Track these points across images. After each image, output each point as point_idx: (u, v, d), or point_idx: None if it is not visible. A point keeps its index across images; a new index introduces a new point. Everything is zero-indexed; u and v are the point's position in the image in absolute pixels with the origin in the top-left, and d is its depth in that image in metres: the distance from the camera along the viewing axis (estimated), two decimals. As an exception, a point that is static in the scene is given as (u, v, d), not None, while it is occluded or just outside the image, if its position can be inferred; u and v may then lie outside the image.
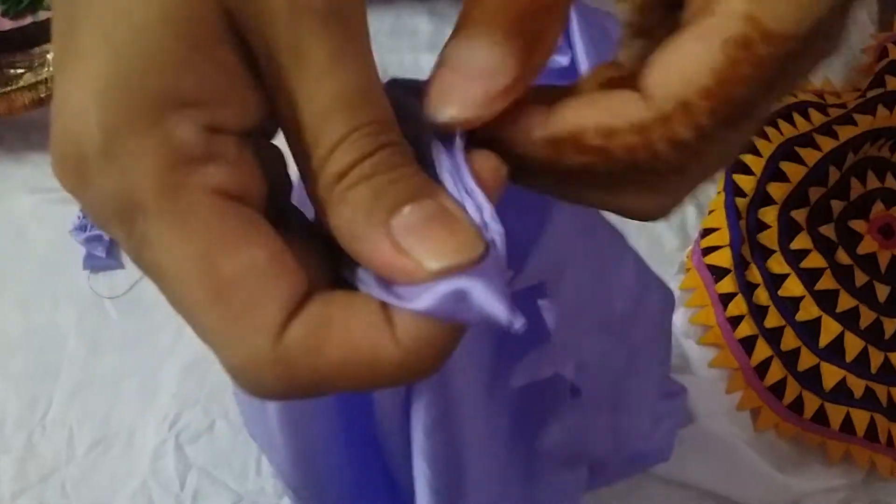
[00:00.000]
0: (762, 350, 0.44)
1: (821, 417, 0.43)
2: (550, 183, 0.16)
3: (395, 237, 0.14)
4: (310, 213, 0.16)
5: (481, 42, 0.14)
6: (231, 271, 0.13)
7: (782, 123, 0.49)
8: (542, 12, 0.14)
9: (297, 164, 0.15)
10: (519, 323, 0.14)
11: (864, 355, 0.44)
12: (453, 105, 0.14)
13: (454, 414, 0.22)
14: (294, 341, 0.14)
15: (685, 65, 0.14)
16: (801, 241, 0.46)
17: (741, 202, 0.46)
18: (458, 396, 0.22)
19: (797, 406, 0.43)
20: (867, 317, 0.45)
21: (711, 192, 0.48)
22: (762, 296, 0.45)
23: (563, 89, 0.16)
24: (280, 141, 0.16)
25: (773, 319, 0.44)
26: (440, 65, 0.15)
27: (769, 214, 0.46)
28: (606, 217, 0.27)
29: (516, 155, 0.15)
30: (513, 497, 0.28)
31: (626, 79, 0.15)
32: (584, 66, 0.49)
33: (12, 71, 0.49)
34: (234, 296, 0.13)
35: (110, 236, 0.13)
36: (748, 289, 0.45)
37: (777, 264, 0.45)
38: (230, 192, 0.14)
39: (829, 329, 0.44)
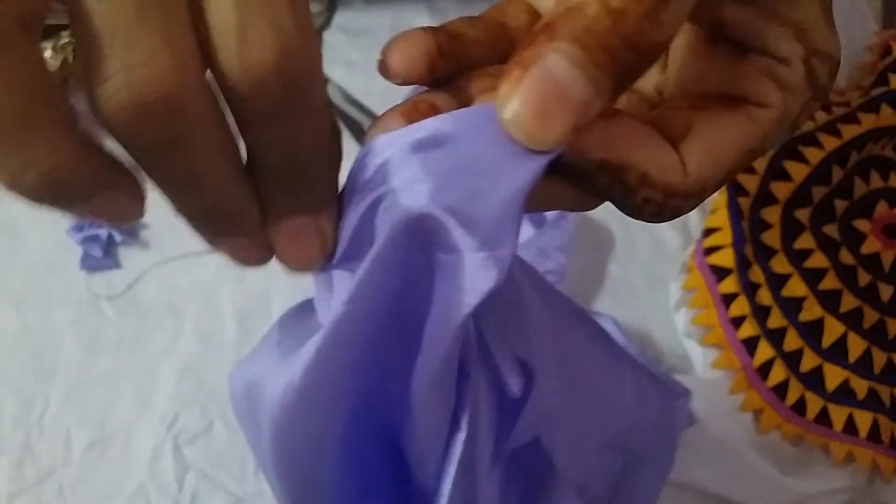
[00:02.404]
0: (765, 351, 0.43)
1: (824, 418, 0.43)
2: (563, 182, 0.18)
3: None
4: None
5: (586, 74, 0.14)
6: None
7: (785, 122, 0.49)
8: (646, 56, 0.15)
9: None
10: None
11: (867, 356, 0.44)
12: (555, 130, 0.15)
13: None
14: None
15: (718, 158, 0.17)
16: (804, 241, 0.46)
17: (744, 201, 0.46)
18: None
19: (800, 407, 0.43)
20: (870, 317, 0.44)
21: (713, 191, 0.47)
22: (765, 296, 0.44)
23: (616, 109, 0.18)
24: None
25: (775, 320, 0.44)
26: (535, 76, 0.14)
27: (772, 214, 0.46)
28: (607, 337, 0.29)
29: (562, 158, 0.16)
30: None
31: (661, 122, 0.17)
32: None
33: (8, 69, 0.48)
34: None
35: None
36: (751, 289, 0.44)
37: (780, 264, 0.45)
38: None
39: (833, 329, 0.44)
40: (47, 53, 0.48)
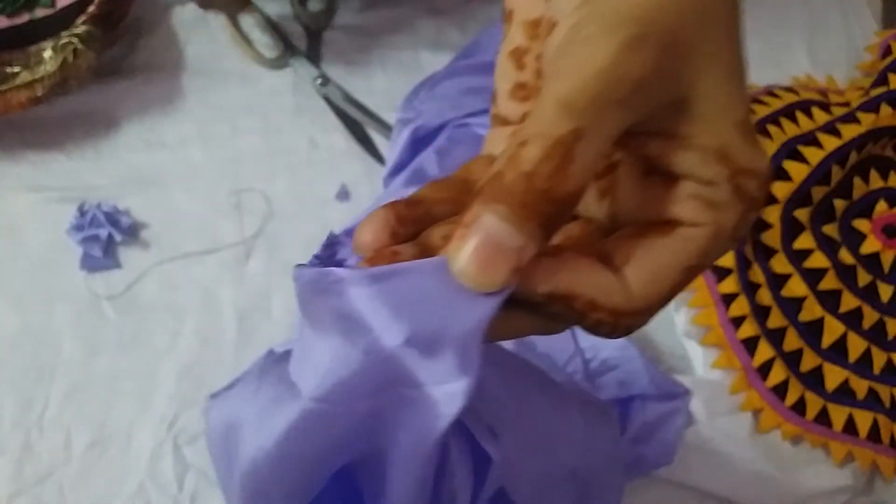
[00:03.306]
0: (764, 351, 0.43)
1: (823, 418, 0.43)
2: (524, 314, 0.20)
3: None
4: None
5: (515, 227, 0.17)
6: None
7: (785, 122, 0.49)
8: (562, 204, 0.17)
9: None
10: None
11: (867, 356, 0.44)
12: (498, 276, 0.17)
13: None
14: None
15: (658, 278, 0.19)
16: (803, 241, 0.46)
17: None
18: None
19: (800, 407, 0.43)
20: (870, 317, 0.44)
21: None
22: (765, 296, 0.44)
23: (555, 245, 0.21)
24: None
25: (775, 320, 0.44)
26: (474, 234, 0.17)
27: (772, 214, 0.46)
28: (555, 386, 0.32)
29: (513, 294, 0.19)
30: None
31: (604, 251, 0.20)
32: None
33: (8, 69, 0.48)
34: None
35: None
36: (750, 289, 0.44)
37: (779, 264, 0.45)
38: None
39: (832, 329, 0.44)
40: (47, 53, 0.48)
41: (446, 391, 0.19)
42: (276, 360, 0.27)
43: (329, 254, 0.26)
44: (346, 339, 0.19)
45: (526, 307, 0.19)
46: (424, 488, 0.22)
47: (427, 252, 0.21)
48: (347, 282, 0.19)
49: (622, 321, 0.19)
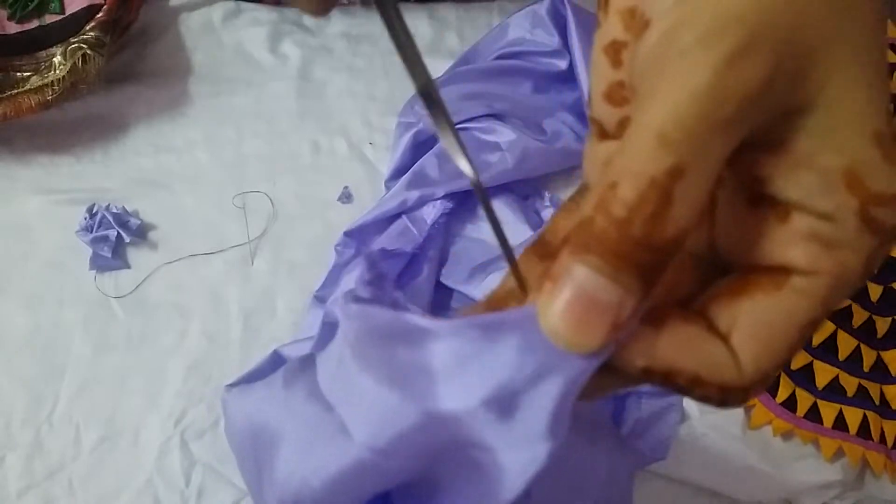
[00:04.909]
0: (757, 349, 0.44)
1: (814, 415, 0.43)
2: (615, 377, 0.17)
3: None
4: None
5: (609, 279, 0.15)
6: None
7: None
8: (663, 253, 0.15)
9: None
10: None
11: (856, 354, 0.44)
12: (595, 337, 0.15)
13: None
14: None
15: (772, 345, 0.16)
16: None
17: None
18: None
19: (790, 403, 0.43)
20: (860, 316, 0.45)
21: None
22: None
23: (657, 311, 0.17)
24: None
25: (767, 319, 0.45)
26: (564, 287, 0.15)
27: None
28: (590, 426, 0.31)
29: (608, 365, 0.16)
30: None
31: (705, 310, 0.17)
32: (581, 69, 0.50)
33: (19, 74, 0.49)
34: None
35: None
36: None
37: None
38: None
39: (823, 328, 0.45)
40: (57, 59, 0.49)
41: (520, 458, 0.17)
42: (300, 368, 0.26)
43: (375, 274, 0.23)
44: (406, 391, 0.18)
45: (617, 375, 0.17)
46: None
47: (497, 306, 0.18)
48: (432, 334, 0.17)
49: (731, 396, 0.16)
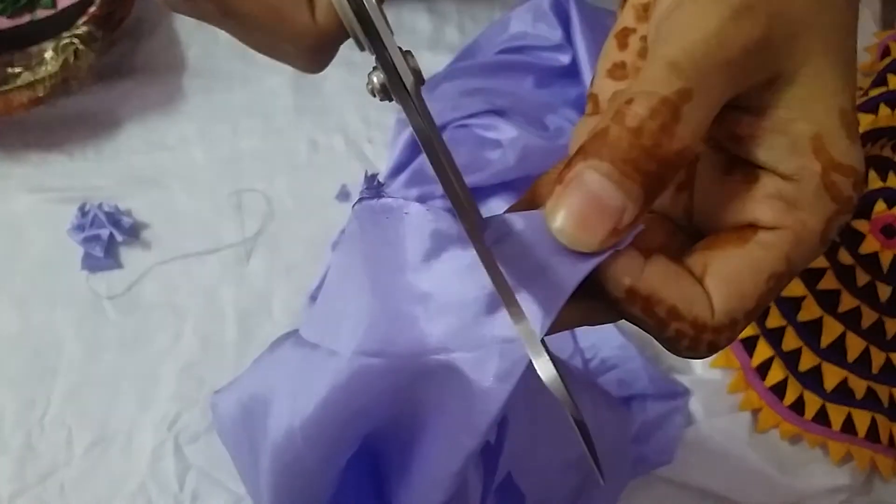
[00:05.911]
0: (763, 350, 0.43)
1: (822, 418, 0.43)
2: (598, 307, 0.19)
3: None
4: None
5: (617, 185, 0.17)
6: None
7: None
8: (667, 165, 0.17)
9: None
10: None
11: (865, 355, 0.44)
12: (596, 235, 0.17)
13: None
14: None
15: (740, 291, 0.18)
16: (802, 241, 0.46)
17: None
18: None
19: (798, 406, 0.43)
20: (869, 317, 0.44)
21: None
22: (763, 296, 0.44)
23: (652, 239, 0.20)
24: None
25: (774, 319, 0.44)
26: (574, 191, 0.17)
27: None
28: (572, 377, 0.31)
29: (592, 280, 0.18)
30: None
31: (693, 270, 0.18)
32: (584, 64, 0.49)
33: (10, 70, 0.48)
34: None
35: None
36: (749, 289, 0.44)
37: (778, 264, 0.45)
38: None
39: (831, 329, 0.44)
40: (48, 54, 0.48)
41: (513, 347, 0.18)
42: (283, 338, 0.26)
43: (375, 193, 0.25)
44: (393, 294, 0.19)
45: (601, 300, 0.18)
46: (468, 461, 0.20)
47: (535, 203, 0.20)
48: (434, 216, 0.19)
49: (704, 336, 0.18)
